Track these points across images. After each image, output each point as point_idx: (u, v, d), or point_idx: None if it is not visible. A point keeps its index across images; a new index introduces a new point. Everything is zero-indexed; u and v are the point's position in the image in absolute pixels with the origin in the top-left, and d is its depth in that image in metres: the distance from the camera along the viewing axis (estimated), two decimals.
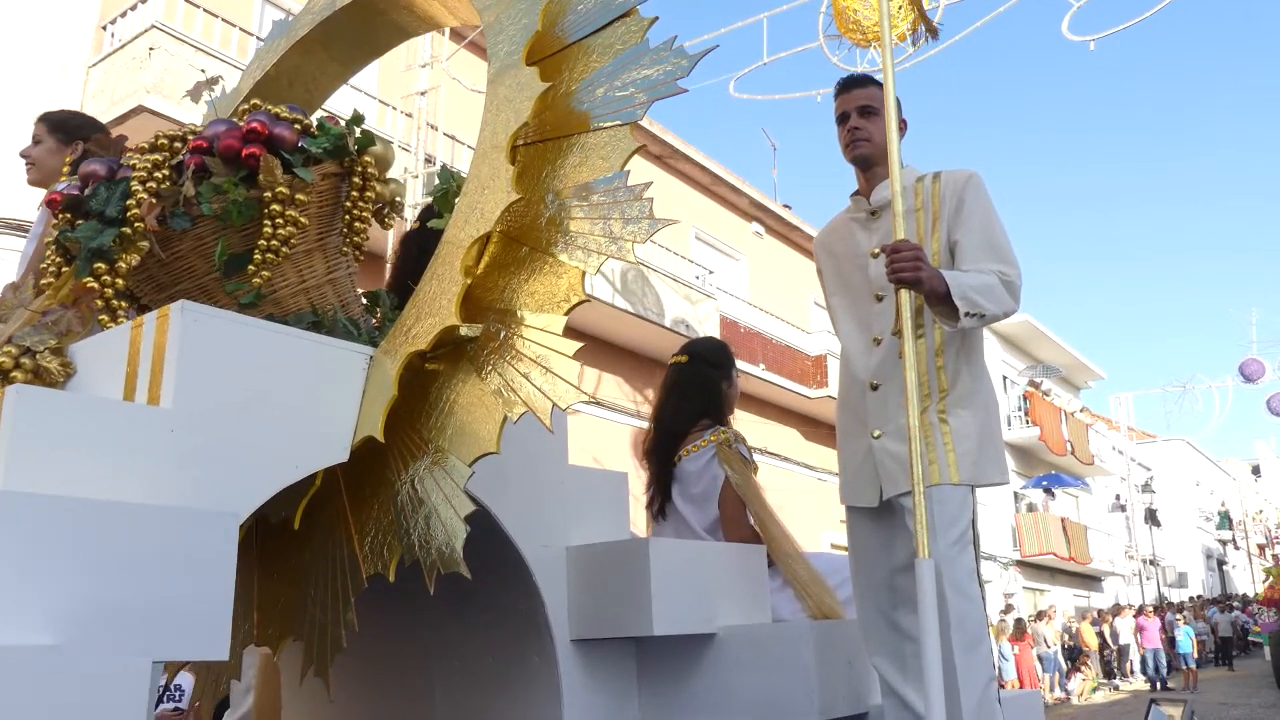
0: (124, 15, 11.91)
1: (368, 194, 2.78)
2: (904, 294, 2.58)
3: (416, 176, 12.86)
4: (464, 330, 2.43)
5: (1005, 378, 29.86)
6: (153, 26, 11.05)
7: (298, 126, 2.68)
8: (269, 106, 2.73)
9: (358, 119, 2.83)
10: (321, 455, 2.37)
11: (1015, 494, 29.28)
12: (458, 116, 13.94)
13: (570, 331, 2.34)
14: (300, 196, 2.60)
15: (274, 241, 2.56)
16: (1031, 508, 29.81)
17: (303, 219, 2.61)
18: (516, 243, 2.53)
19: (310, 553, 2.55)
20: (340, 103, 12.07)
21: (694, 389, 3.64)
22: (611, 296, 15.42)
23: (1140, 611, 25.44)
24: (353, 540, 2.46)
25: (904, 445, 2.64)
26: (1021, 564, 28.66)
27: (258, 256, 2.55)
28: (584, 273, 2.36)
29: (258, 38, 12.13)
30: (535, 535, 2.76)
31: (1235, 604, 34.29)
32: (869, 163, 2.92)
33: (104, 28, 12.18)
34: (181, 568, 1.84)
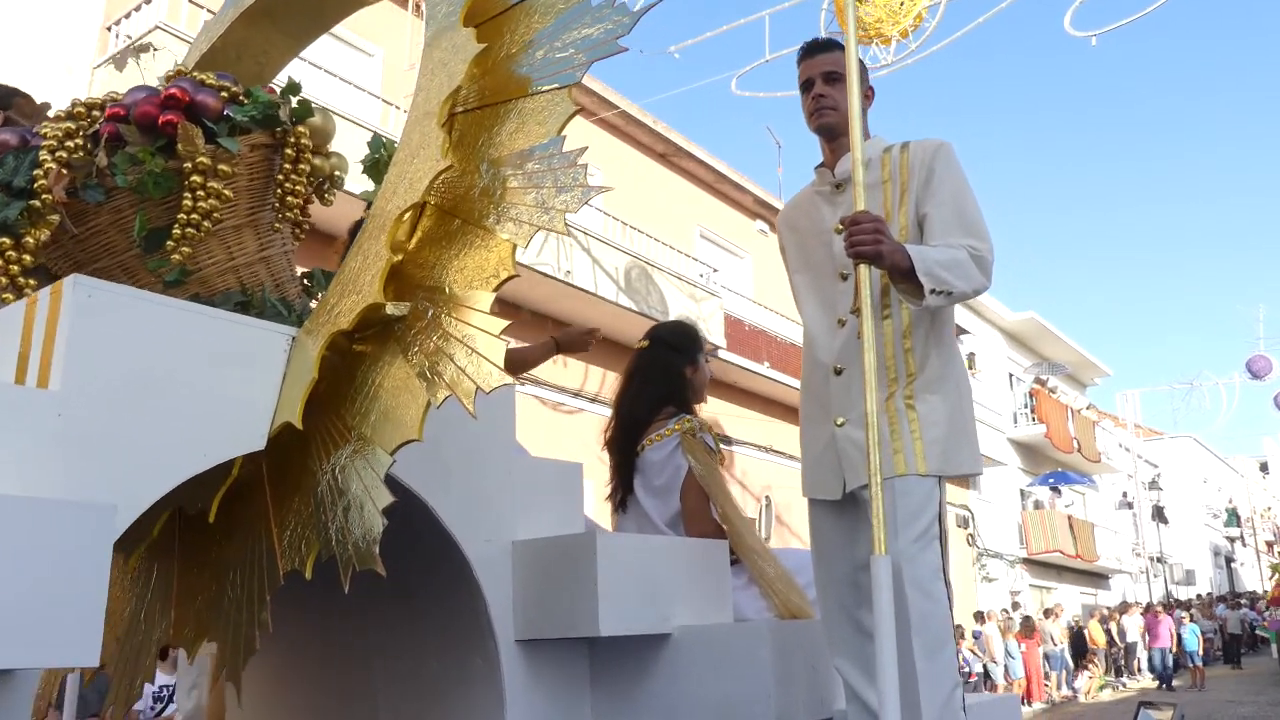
0: (128, 16, 11.76)
1: (301, 166, 2.59)
2: (864, 270, 2.37)
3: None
4: (389, 309, 2.24)
5: (1011, 375, 29.56)
6: (156, 27, 10.87)
7: (224, 94, 2.49)
8: (196, 73, 2.54)
9: (294, 88, 2.64)
10: (234, 443, 2.17)
11: (1022, 491, 28.96)
12: None
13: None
14: (224, 168, 2.41)
15: (194, 215, 2.37)
16: (1038, 505, 29.47)
17: (227, 192, 2.42)
18: (450, 216, 2.33)
19: (232, 548, 2.36)
20: (342, 101, 11.95)
21: (656, 374, 3.41)
22: (616, 295, 15.20)
23: (1149, 609, 25.05)
24: (272, 534, 2.27)
25: (872, 432, 2.43)
26: (1028, 561, 28.33)
27: (177, 231, 2.36)
28: (515, 246, 2.16)
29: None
30: (478, 529, 2.57)
31: (1243, 601, 33.84)
32: (834, 133, 2.69)
33: (108, 28, 12.03)
34: (49, 566, 1.64)
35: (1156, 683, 22.75)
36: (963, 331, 26.36)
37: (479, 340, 2.08)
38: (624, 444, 3.34)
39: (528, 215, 2.16)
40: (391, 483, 2.20)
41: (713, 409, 16.92)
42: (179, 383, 2.08)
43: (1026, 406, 29.04)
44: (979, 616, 20.83)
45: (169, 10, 11.19)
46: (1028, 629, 21.15)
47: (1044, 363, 30.85)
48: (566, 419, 14.77)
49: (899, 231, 2.56)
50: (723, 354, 16.73)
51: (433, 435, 2.48)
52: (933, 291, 2.35)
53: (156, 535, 2.51)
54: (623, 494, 3.30)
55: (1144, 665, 24.48)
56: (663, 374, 3.40)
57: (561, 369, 14.39)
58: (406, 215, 2.30)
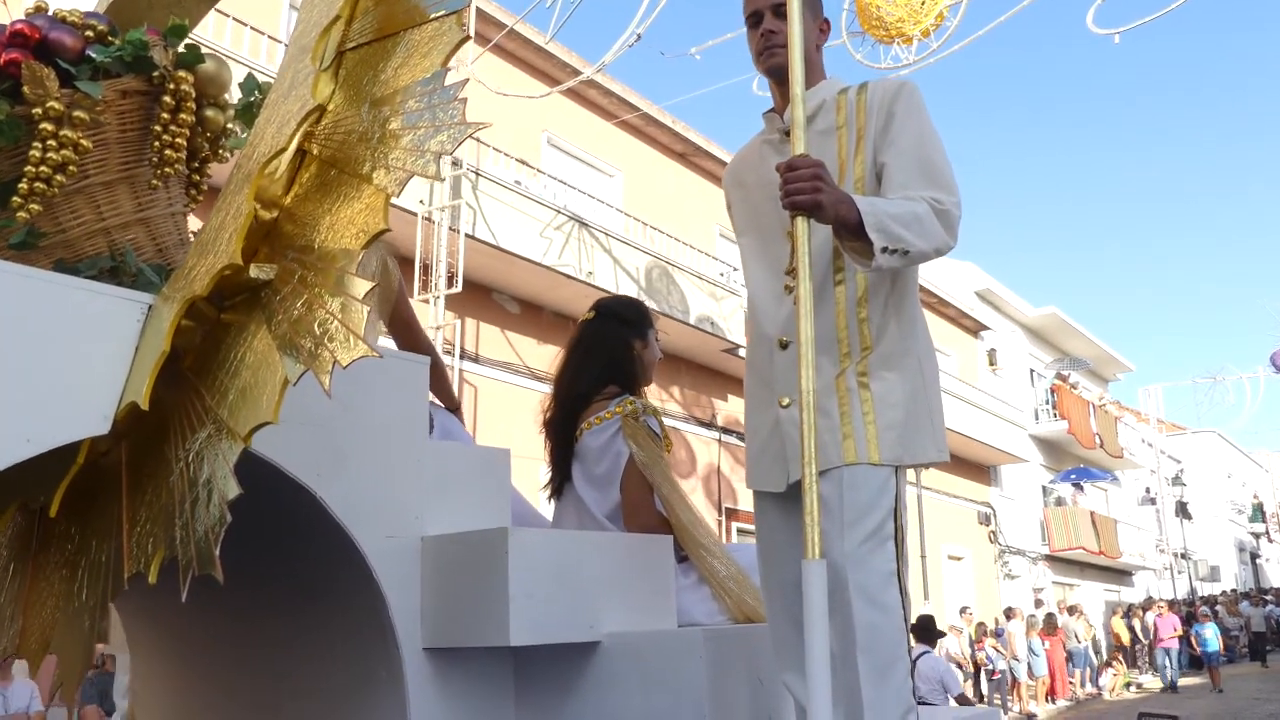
0: None
1: (183, 117, 2.24)
2: (801, 224, 1.97)
3: (444, 180, 12.41)
4: (253, 272, 1.89)
5: (1033, 371, 28.88)
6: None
7: (88, 33, 2.15)
8: (59, 11, 2.20)
9: (179, 30, 2.30)
10: (67, 427, 1.83)
11: (1044, 488, 28.26)
12: (483, 119, 13.46)
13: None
14: (80, 114, 2.06)
15: (44, 169, 2.03)
16: (1060, 501, 28.75)
17: (85, 142, 2.08)
18: (329, 166, 1.97)
19: (84, 546, 2.02)
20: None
21: (599, 348, 3.00)
22: (637, 295, 14.84)
23: (1149, 607, 24.14)
24: (123, 531, 1.92)
25: (819, 416, 2.05)
26: (1050, 558, 27.66)
27: (23, 185, 2.02)
28: (387, 196, 1.80)
29: (285, 44, 11.69)
30: (377, 523, 2.21)
31: (1269, 598, 32.95)
32: (786, 74, 2.25)
33: None
34: None
35: (1163, 687, 21.79)
36: (983, 328, 25.83)
37: (339, 306, 1.72)
38: (562, 425, 2.95)
39: (400, 160, 1.80)
40: (267, 471, 1.85)
41: (734, 408, 16.47)
42: None
43: (1048, 403, 28.34)
44: (1008, 613, 20.26)
45: None
46: (1050, 626, 20.56)
47: (1065, 358, 30.11)
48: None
49: (854, 184, 2.16)
50: (742, 353, 16.33)
51: (323, 415, 2.14)
52: (885, 250, 1.95)
53: (13, 531, 2.18)
54: (560, 481, 2.93)
55: (1174, 662, 23.66)
56: (606, 349, 3.00)
57: None
58: (278, 165, 1.96)
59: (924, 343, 2.22)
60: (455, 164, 12.85)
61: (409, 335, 3.06)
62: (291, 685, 2.42)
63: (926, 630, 10.06)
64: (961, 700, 9.25)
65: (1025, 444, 26.35)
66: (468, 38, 1.91)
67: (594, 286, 13.26)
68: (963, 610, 19.69)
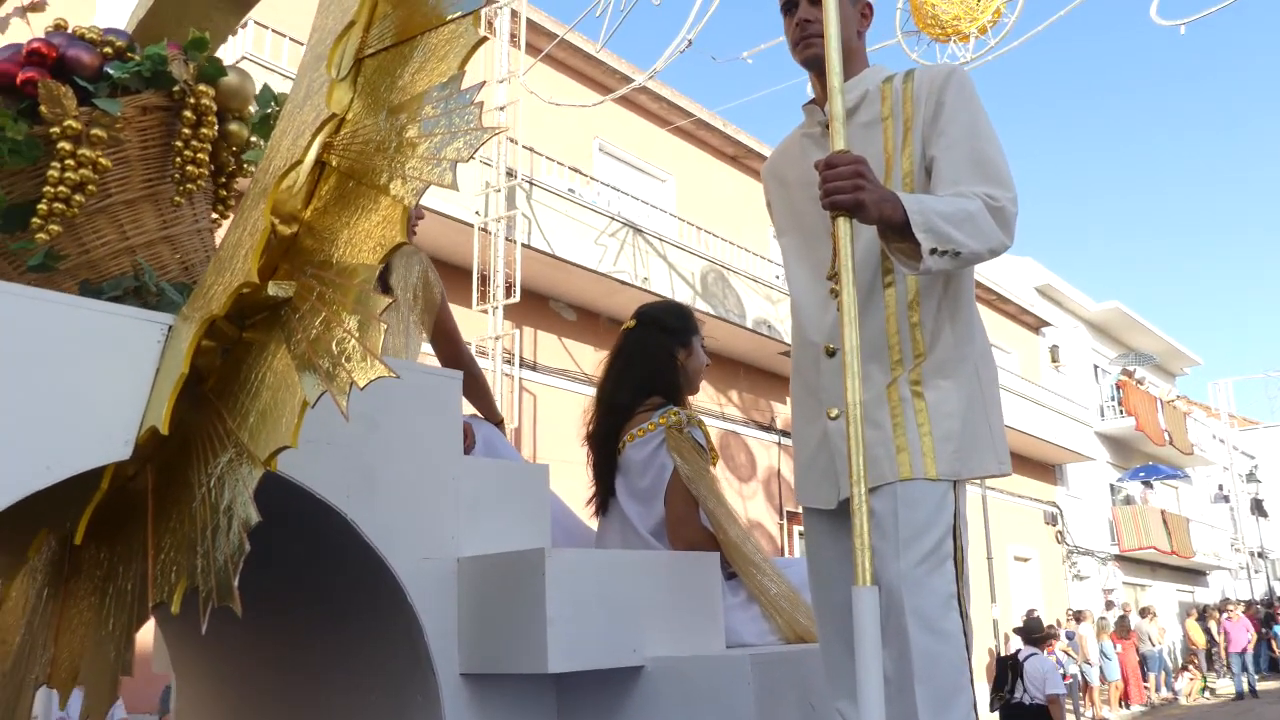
0: None
1: (204, 131, 2.18)
2: (843, 224, 1.84)
3: (499, 191, 12.42)
4: (271, 289, 1.81)
5: (1096, 367, 28.22)
6: (244, 57, 10.67)
7: (108, 50, 2.09)
8: (79, 28, 2.15)
9: (200, 43, 2.24)
10: (88, 453, 1.77)
11: (1111, 486, 27.56)
12: (537, 129, 13.50)
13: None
14: (99, 132, 2.01)
15: (62, 189, 1.98)
16: (1129, 500, 28.02)
17: (104, 160, 2.03)
18: (348, 178, 1.90)
19: (113, 574, 1.96)
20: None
21: (641, 358, 2.88)
22: (693, 300, 14.72)
23: (1224, 609, 23.38)
24: (148, 558, 1.86)
25: (870, 428, 1.92)
26: (1120, 559, 26.98)
27: (43, 206, 1.97)
28: (404, 208, 1.71)
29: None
30: (413, 545, 2.13)
31: None
32: (824, 65, 2.12)
33: None
34: None
35: (1236, 694, 20.96)
36: (1044, 324, 25.31)
37: (357, 324, 1.64)
38: (604, 438, 2.83)
39: (417, 170, 1.71)
40: (297, 494, 1.77)
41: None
42: (11, 385, 1.68)
43: (1113, 399, 27.67)
44: (1076, 616, 19.76)
45: (254, 40, 10.89)
46: (1123, 629, 20.01)
47: (1130, 353, 29.37)
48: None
49: (901, 180, 2.03)
50: None
51: (351, 435, 2.06)
52: (934, 251, 1.81)
53: (46, 559, 2.13)
54: (604, 496, 2.82)
55: (1235, 669, 22.90)
56: (649, 358, 2.87)
57: None
58: (296, 178, 1.89)
59: (981, 347, 2.07)
60: (510, 174, 12.85)
61: (450, 347, 2.98)
62: (329, 711, 2.35)
63: (1032, 631, 10.39)
64: (1053, 703, 9.02)
65: (1091, 442, 25.75)
66: (485, 39, 1.82)
67: (649, 292, 13.18)
68: (1030, 614, 19.26)
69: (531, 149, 13.61)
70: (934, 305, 2.02)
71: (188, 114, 2.15)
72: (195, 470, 1.83)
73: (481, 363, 10.30)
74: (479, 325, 12.01)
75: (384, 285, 2.68)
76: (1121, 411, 27.15)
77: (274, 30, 10.91)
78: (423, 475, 2.17)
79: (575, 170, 14.24)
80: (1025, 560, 22.88)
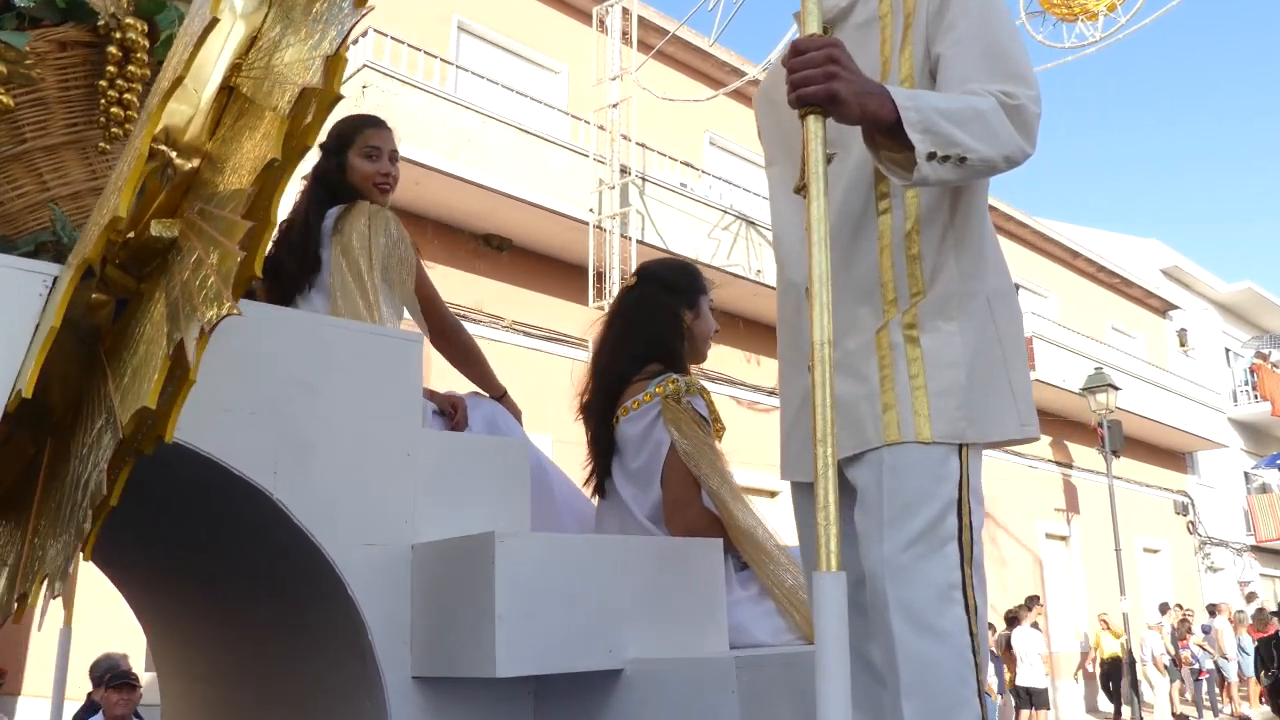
0: None
1: (132, 69, 1.89)
2: (813, 123, 1.40)
3: (613, 188, 12.15)
4: (154, 229, 1.51)
5: (1229, 350, 26.40)
6: (365, 65, 10.63)
7: None
8: None
9: None
10: None
11: (1246, 474, 25.74)
12: (649, 126, 13.20)
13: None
14: (0, 68, 1.73)
15: None
16: (1264, 489, 26.10)
17: (6, 98, 1.75)
18: (250, 101, 1.58)
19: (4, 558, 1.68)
20: (535, 120, 11.47)
21: (642, 319, 2.46)
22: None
23: None
24: (26, 541, 1.57)
25: (854, 382, 1.52)
26: (1257, 549, 25.20)
27: None
28: (281, 121, 1.37)
29: (458, 66, 11.66)
30: (354, 529, 1.80)
31: None
32: None
33: None
34: None
35: None
36: (1171, 307, 23.79)
37: (218, 256, 1.31)
38: (600, 411, 2.43)
39: (294, 74, 1.38)
40: (206, 467, 1.47)
41: None
42: None
43: (1247, 383, 25.84)
44: (1212, 609, 18.47)
45: (374, 49, 10.79)
46: (1261, 622, 18.58)
47: (1264, 335, 27.38)
48: (763, 418, 13.77)
49: (899, 84, 1.60)
50: None
51: (280, 401, 1.75)
52: (932, 157, 1.38)
53: None
54: (600, 478, 2.43)
55: None
56: (649, 319, 2.45)
57: (755, 367, 13.47)
58: (193, 103, 1.57)
59: (997, 284, 1.61)
60: (623, 171, 12.57)
61: (434, 313, 2.57)
62: (284, 711, 2.04)
63: None
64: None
65: (1224, 428, 24.09)
66: None
67: (763, 284, 12.72)
68: (1164, 608, 18.06)
69: (645, 145, 13.30)
70: (938, 233, 1.58)
71: (113, 49, 1.86)
72: (77, 440, 1.54)
73: None
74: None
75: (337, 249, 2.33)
76: (1256, 396, 25.36)
77: (393, 38, 10.84)
78: (368, 449, 1.84)
79: (686, 164, 13.87)
80: (1155, 552, 21.55)
